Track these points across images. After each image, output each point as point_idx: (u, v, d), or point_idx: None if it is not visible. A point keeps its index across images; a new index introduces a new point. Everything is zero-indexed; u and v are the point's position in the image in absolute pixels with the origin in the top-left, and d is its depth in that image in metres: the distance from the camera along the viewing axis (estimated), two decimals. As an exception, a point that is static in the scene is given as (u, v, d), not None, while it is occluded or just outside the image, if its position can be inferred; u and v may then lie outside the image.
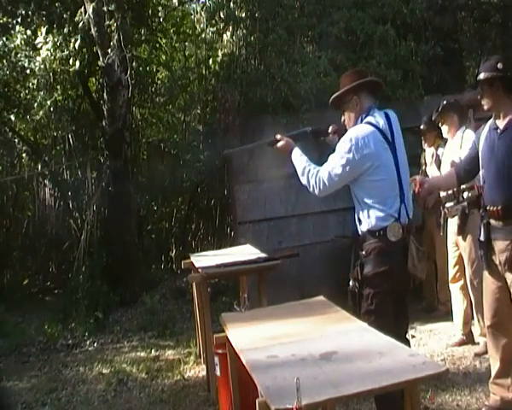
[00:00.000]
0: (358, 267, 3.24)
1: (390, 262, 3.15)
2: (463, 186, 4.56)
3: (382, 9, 7.29)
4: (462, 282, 4.98)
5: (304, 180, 3.39)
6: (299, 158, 3.44)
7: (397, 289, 3.19)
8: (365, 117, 3.28)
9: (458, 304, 5.06)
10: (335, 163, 3.22)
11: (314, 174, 3.31)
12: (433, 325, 5.71)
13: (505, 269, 3.40)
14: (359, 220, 3.29)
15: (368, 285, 3.20)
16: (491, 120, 3.56)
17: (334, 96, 3.42)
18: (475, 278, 4.62)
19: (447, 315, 5.80)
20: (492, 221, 3.43)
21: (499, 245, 3.41)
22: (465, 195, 4.72)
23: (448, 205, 4.92)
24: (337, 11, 7.18)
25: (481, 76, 3.46)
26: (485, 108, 3.50)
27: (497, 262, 3.44)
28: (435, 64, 7.29)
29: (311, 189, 3.34)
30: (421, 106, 6.80)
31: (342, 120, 3.43)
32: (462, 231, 4.74)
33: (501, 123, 3.45)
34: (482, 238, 3.48)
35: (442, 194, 5.01)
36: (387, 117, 3.27)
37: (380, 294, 3.16)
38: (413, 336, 5.43)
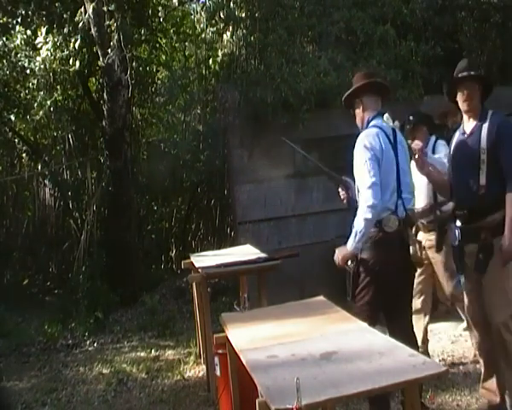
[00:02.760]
0: (359, 252, 3.40)
1: (385, 251, 3.33)
2: (441, 199, 4.46)
3: (382, 9, 7.29)
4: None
5: (362, 230, 3.32)
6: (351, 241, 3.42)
7: (392, 279, 3.31)
8: (371, 120, 3.53)
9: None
10: (363, 176, 3.35)
11: (359, 210, 3.35)
12: (433, 325, 5.69)
13: (476, 273, 3.40)
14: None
15: (364, 271, 3.39)
16: (461, 126, 3.58)
17: (343, 97, 3.70)
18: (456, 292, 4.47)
19: (447, 315, 5.81)
20: (462, 225, 3.44)
21: (469, 248, 3.43)
22: (443, 208, 4.52)
23: (423, 220, 4.59)
24: (337, 11, 7.17)
25: (472, 73, 3.45)
26: (467, 106, 3.44)
27: (470, 266, 3.45)
28: (435, 64, 7.27)
29: (368, 221, 3.30)
30: (421, 106, 6.79)
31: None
32: (441, 245, 4.53)
33: (468, 127, 3.48)
34: (455, 243, 3.51)
35: (417, 209, 4.55)
36: (393, 130, 3.53)
37: (373, 280, 3.34)
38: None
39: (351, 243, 3.38)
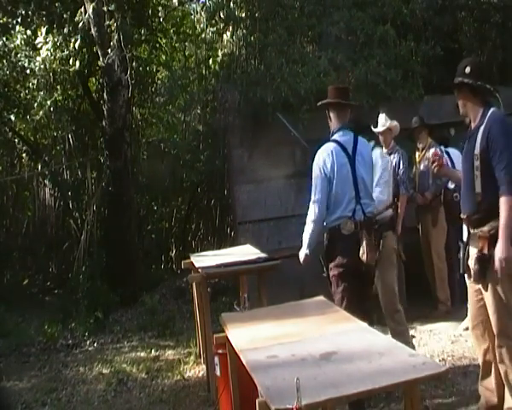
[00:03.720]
0: (324, 254, 3.94)
1: (342, 251, 3.81)
2: (378, 208, 4.41)
3: (382, 9, 7.28)
4: None
5: (307, 241, 3.93)
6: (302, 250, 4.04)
7: (351, 271, 3.79)
8: (335, 133, 3.94)
9: None
10: (314, 187, 3.85)
11: (308, 215, 3.88)
12: (433, 325, 5.71)
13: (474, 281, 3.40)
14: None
15: (331, 271, 3.88)
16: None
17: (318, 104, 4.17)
18: (393, 309, 4.46)
19: (447, 315, 5.81)
20: (469, 228, 3.44)
21: (471, 252, 3.42)
22: (378, 217, 4.41)
23: None
24: (337, 11, 7.16)
25: (459, 80, 3.45)
26: (460, 112, 3.50)
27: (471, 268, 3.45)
28: (435, 64, 7.27)
29: (311, 234, 3.89)
30: (421, 106, 6.80)
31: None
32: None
33: (472, 128, 3.45)
34: (463, 243, 3.51)
35: None
36: (355, 139, 3.93)
37: (339, 277, 3.82)
38: (413, 337, 5.44)
39: (302, 252, 3.97)
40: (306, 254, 3.96)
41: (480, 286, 3.40)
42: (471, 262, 3.39)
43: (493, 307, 3.31)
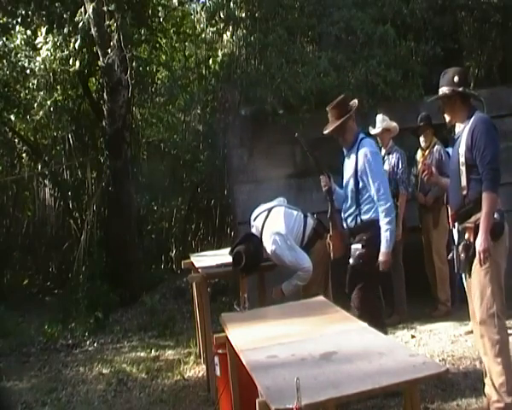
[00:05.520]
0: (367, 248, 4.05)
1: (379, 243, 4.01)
2: None
3: (382, 9, 7.26)
4: None
5: (393, 228, 4.07)
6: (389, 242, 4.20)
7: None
8: (360, 134, 4.13)
9: None
10: (379, 183, 3.98)
11: (383, 212, 4.00)
12: (433, 325, 5.70)
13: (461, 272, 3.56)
14: (357, 214, 4.07)
15: (369, 263, 4.01)
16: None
17: (334, 127, 4.08)
18: None
19: (447, 315, 5.81)
20: (457, 224, 3.57)
21: (460, 248, 3.54)
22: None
23: None
24: (337, 11, 7.16)
25: (440, 91, 3.65)
26: (447, 121, 3.66)
27: None
28: (435, 64, 7.25)
29: (394, 219, 4.05)
30: (421, 106, 6.79)
31: (340, 141, 4.17)
32: None
33: (457, 130, 3.64)
34: (455, 241, 3.64)
35: None
36: None
37: (376, 270, 4.01)
38: (413, 337, 5.44)
39: (390, 244, 3.95)
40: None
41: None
42: (461, 255, 3.52)
43: (476, 294, 3.44)
